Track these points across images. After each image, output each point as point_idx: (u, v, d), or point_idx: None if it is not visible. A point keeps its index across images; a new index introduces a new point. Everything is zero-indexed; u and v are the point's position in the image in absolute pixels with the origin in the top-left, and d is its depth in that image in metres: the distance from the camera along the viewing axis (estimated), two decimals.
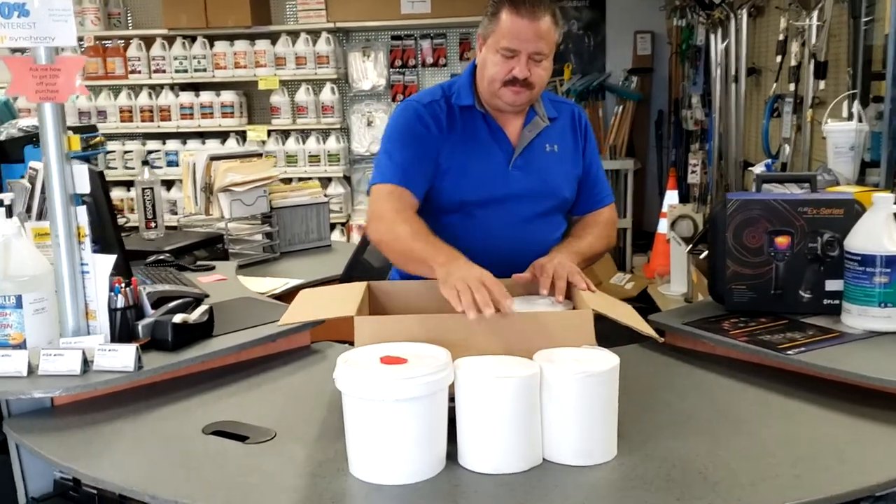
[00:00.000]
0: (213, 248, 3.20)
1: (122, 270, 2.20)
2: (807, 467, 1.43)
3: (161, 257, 2.86)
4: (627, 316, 1.70)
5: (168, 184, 6.06)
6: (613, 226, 2.23)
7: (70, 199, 1.74)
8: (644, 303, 5.07)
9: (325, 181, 6.19)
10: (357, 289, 1.83)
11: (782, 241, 2.02)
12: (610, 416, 1.45)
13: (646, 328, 1.68)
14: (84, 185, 1.75)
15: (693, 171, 5.22)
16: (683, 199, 5.41)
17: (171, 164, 6.28)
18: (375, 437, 1.38)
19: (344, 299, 1.75)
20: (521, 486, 1.38)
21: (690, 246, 4.43)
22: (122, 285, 1.88)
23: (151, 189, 3.23)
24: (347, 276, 2.93)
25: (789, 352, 1.79)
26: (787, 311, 2.04)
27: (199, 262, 2.91)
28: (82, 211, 1.76)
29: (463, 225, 2.06)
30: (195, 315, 1.98)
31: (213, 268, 2.84)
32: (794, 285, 2.03)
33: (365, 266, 3.03)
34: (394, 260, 2.06)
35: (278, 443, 1.57)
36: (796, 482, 1.38)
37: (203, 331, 1.98)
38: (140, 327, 1.89)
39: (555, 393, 1.43)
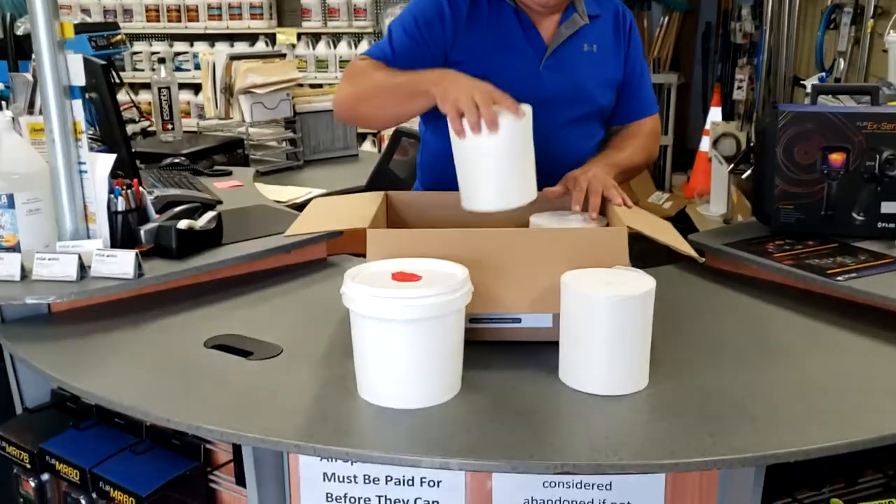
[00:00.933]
0: (232, 153, 3.08)
1: (130, 172, 2.09)
2: (855, 405, 1.29)
3: (176, 161, 2.75)
4: (665, 234, 1.56)
5: (196, 87, 5.91)
6: (656, 138, 2.05)
7: (64, 91, 1.61)
8: (682, 223, 4.90)
9: None
10: (374, 199, 1.70)
11: (837, 157, 1.85)
12: (642, 345, 1.33)
13: (685, 247, 1.54)
14: (79, 77, 1.62)
15: (739, 88, 4.97)
16: (727, 116, 5.18)
17: (198, 66, 6.11)
18: (384, 358, 1.27)
19: (359, 210, 1.63)
20: (538, 415, 1.27)
21: (732, 165, 4.25)
22: (123, 187, 1.77)
23: (168, 89, 3.10)
24: (371, 187, 2.81)
25: (839, 277, 1.64)
26: (837, 233, 1.89)
27: (216, 168, 2.79)
28: (78, 105, 1.63)
29: None
30: (202, 221, 1.86)
31: (230, 173, 2.72)
32: (846, 206, 1.87)
33: (390, 176, 2.91)
34: (375, 117, 1.89)
35: (284, 360, 1.46)
36: (843, 421, 1.25)
37: (211, 239, 1.87)
38: (143, 232, 1.79)
39: (583, 317, 1.30)
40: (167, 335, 1.57)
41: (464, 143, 1.55)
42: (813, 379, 1.38)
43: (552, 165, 1.80)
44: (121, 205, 1.77)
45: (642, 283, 1.33)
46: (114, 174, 1.77)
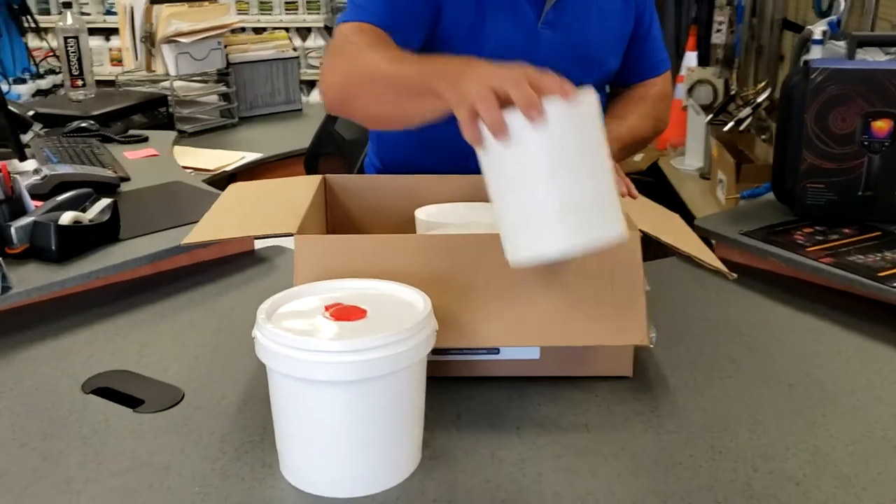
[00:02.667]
0: (154, 112, 2.66)
1: (11, 144, 1.69)
2: None
3: (83, 125, 2.33)
4: (686, 240, 1.21)
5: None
6: (667, 101, 1.68)
7: None
8: (654, 177, 4.58)
9: (304, 31, 5.54)
10: (308, 186, 1.33)
11: (882, 126, 1.51)
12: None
13: (714, 261, 1.19)
14: None
15: (718, 31, 4.60)
16: (704, 61, 4.82)
17: (112, 11, 5.56)
18: (313, 432, 0.91)
19: (287, 203, 1.25)
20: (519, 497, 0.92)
21: (711, 116, 3.93)
22: None
23: (76, 38, 2.66)
24: (314, 153, 2.42)
25: (895, 283, 1.31)
26: (876, 218, 1.56)
27: (130, 132, 2.38)
28: None
29: None
30: (93, 213, 1.48)
31: (145, 139, 2.31)
32: (889, 185, 1.54)
33: (334, 138, 2.51)
34: (372, 117, 1.31)
35: (183, 412, 1.10)
36: None
37: (104, 234, 1.49)
38: (13, 230, 1.40)
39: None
40: (35, 372, 1.19)
41: (495, 159, 0.95)
42: (880, 428, 1.05)
43: None
44: None
45: None
46: None
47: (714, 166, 3.70)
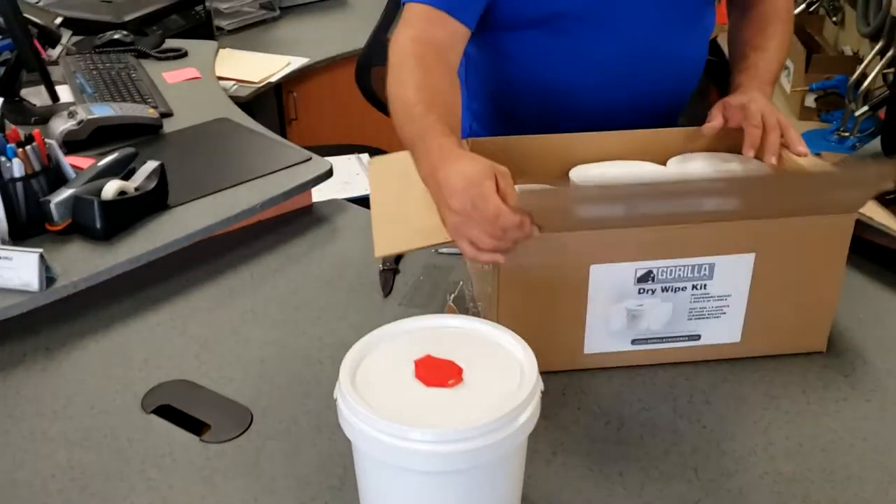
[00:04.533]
0: (190, 12, 2.47)
1: (42, 79, 1.56)
2: None
3: (116, 36, 2.17)
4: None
5: None
6: (792, 16, 1.42)
7: None
8: (714, 55, 4.32)
9: None
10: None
11: None
12: None
13: None
14: None
15: None
16: None
17: None
18: None
19: None
20: None
21: None
22: (16, 145, 1.25)
23: None
24: (365, 63, 2.24)
25: None
26: None
27: (167, 45, 2.20)
28: None
29: (550, 47, 1.33)
30: (138, 179, 1.35)
31: (184, 55, 2.14)
32: None
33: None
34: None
35: (253, 441, 1.01)
36: None
37: (151, 202, 1.36)
38: (53, 207, 1.28)
39: None
40: (88, 383, 1.10)
41: None
42: None
43: (648, 89, 1.35)
44: (17, 169, 1.25)
45: None
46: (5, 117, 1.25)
47: None
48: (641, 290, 1.05)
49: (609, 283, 1.04)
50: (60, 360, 1.14)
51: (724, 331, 1.09)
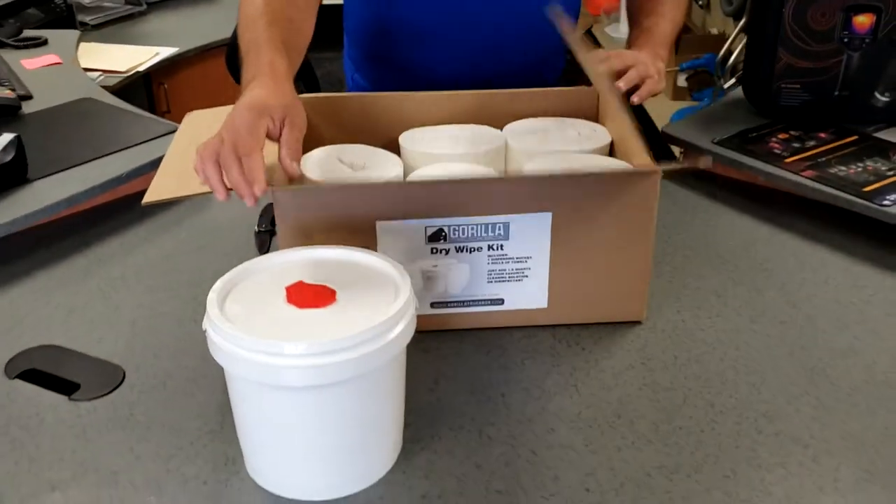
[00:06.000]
0: (49, 5, 2.39)
1: None
2: None
3: None
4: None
5: None
6: None
7: None
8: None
9: None
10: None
11: (864, 21, 1.40)
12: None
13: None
14: None
15: None
16: None
17: None
18: (275, 436, 0.80)
19: None
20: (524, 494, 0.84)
21: None
22: None
23: None
24: (236, 47, 2.20)
25: (885, 202, 1.23)
26: (852, 119, 1.47)
27: (25, 34, 2.12)
28: None
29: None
30: None
31: (44, 43, 2.07)
32: (867, 85, 1.44)
33: None
34: None
35: (126, 396, 0.97)
36: None
37: (9, 175, 1.30)
38: None
39: None
40: None
41: None
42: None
43: (508, 45, 1.36)
44: None
45: None
46: None
47: None
48: (434, 250, 0.99)
49: (399, 242, 0.99)
50: None
51: (528, 296, 1.03)
